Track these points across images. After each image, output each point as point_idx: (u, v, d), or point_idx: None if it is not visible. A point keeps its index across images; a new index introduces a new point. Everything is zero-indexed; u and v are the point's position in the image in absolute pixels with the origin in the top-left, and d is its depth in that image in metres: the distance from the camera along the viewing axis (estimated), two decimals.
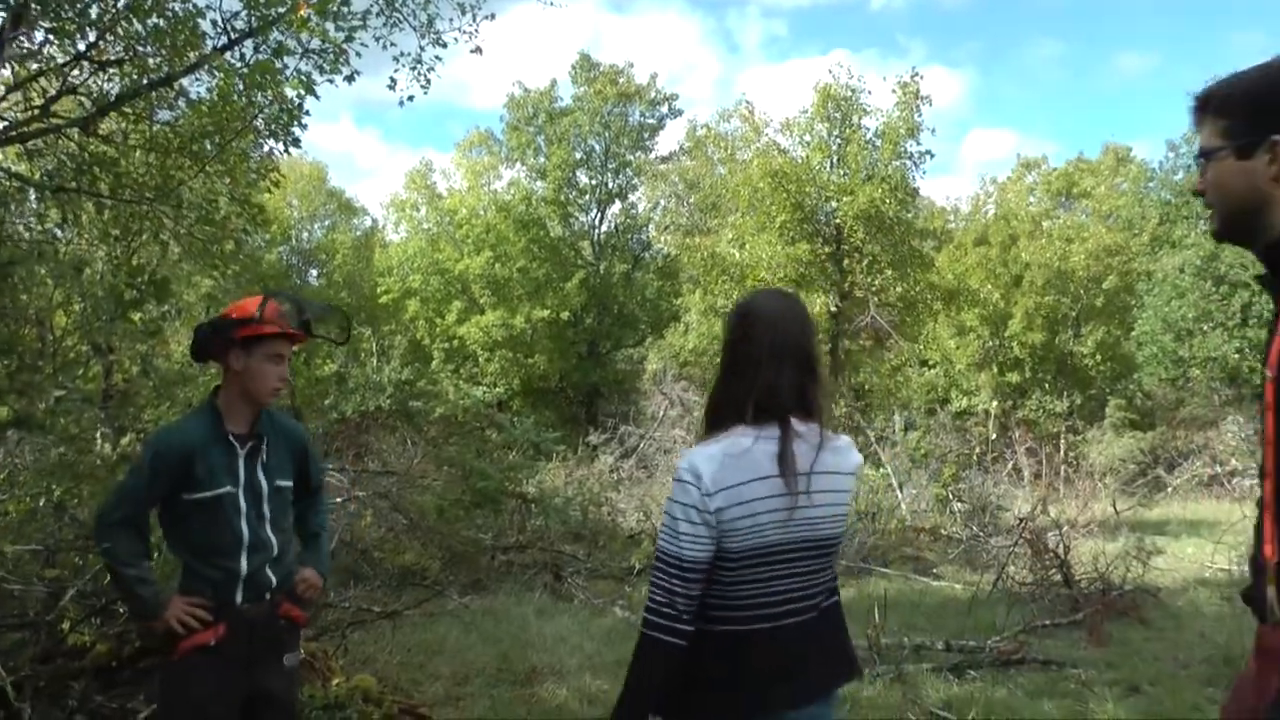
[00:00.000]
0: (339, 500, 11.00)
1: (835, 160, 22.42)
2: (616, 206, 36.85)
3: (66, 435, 4.83)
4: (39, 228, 6.11)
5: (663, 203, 36.79)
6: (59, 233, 6.05)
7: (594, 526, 13.19)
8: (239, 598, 3.37)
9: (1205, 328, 28.16)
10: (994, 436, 18.47)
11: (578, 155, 35.38)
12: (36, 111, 6.15)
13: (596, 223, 36.93)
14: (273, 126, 6.78)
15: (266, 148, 7.02)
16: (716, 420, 2.68)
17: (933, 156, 24.61)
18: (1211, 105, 2.04)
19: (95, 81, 6.26)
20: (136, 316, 5.23)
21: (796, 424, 2.63)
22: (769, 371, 2.64)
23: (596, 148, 35.62)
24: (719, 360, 2.78)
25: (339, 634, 7.12)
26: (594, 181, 36.21)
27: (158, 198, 5.94)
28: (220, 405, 3.45)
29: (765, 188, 21.61)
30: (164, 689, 3.40)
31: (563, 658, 7.47)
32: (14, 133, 5.69)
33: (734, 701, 2.60)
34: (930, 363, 34.75)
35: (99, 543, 3.43)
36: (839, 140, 22.34)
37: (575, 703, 6.37)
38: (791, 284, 21.43)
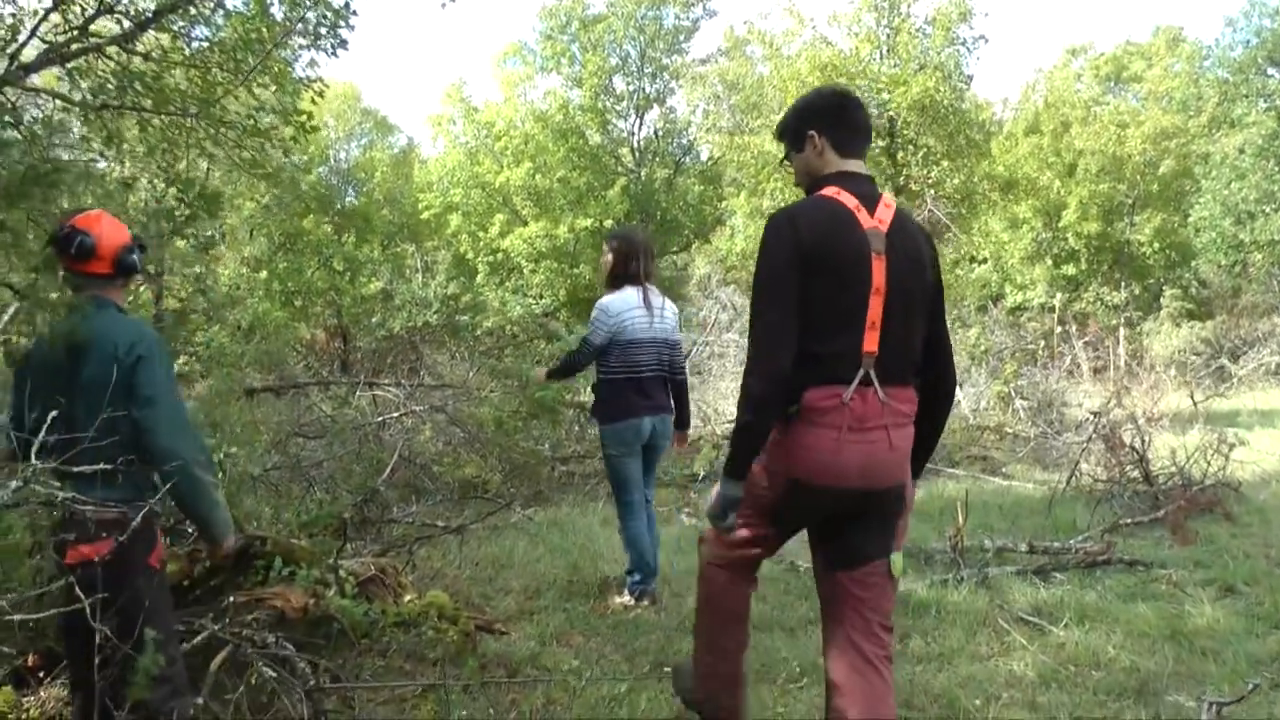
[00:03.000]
0: (395, 415, 10.93)
1: (885, 51, 21.82)
2: (655, 112, 36.23)
3: None
4: (84, 149, 5.95)
5: (702, 105, 36.10)
6: (104, 152, 5.88)
7: None
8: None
9: (1267, 210, 27.07)
10: (1057, 330, 18.00)
11: (613, 61, 34.73)
12: (75, 32, 5.95)
13: (635, 129, 36.35)
14: (319, 29, 6.52)
15: (308, 58, 6.80)
16: (614, 286, 6.26)
17: (987, 41, 23.69)
18: (781, 132, 3.52)
19: None
20: (188, 234, 5.13)
21: (648, 285, 6.32)
22: (639, 262, 6.27)
23: (632, 53, 34.94)
24: (608, 260, 6.34)
25: (406, 550, 7.04)
26: (631, 87, 35.57)
27: (200, 112, 5.75)
28: None
29: (814, 82, 20.87)
30: (153, 596, 3.43)
31: None
32: (54, 54, 5.50)
33: (624, 402, 6.17)
34: (980, 258, 34.07)
35: (195, 459, 3.45)
36: (888, 30, 21.72)
37: (651, 613, 6.24)
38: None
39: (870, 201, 3.19)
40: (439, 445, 10.93)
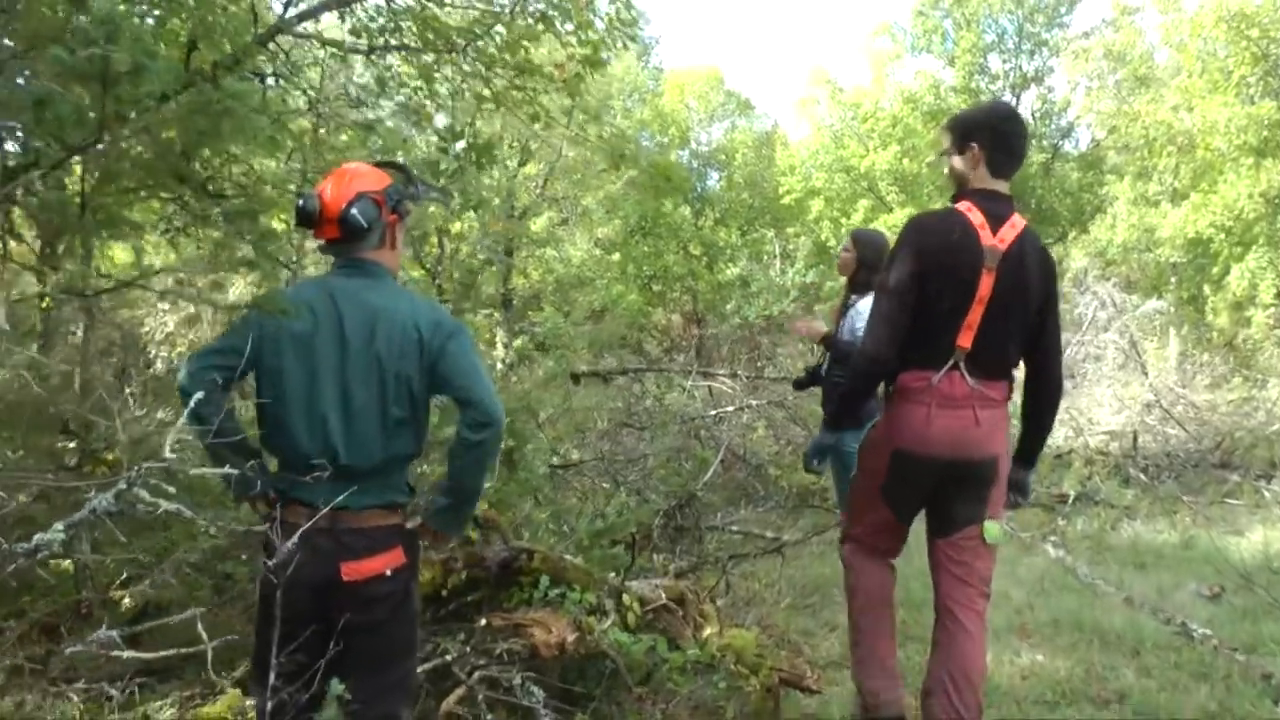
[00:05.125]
0: (731, 409, 10.14)
1: None
2: (1032, 92, 33.83)
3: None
4: (357, 92, 5.44)
5: (1084, 83, 33.36)
6: (363, 97, 5.33)
7: None
8: None
9: None
10: None
11: (988, 38, 32.69)
12: None
13: None
14: None
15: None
16: (860, 291, 5.68)
17: None
18: (949, 126, 3.74)
19: None
20: (453, 190, 4.57)
21: None
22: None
23: (1009, 28, 32.79)
24: (852, 259, 5.80)
25: (720, 568, 6.14)
26: (1007, 66, 33.38)
27: (468, 47, 5.06)
28: None
29: (1218, 36, 18.67)
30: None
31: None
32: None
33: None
34: None
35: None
36: None
37: (1002, 676, 5.00)
38: (1252, 152, 18.43)
39: (997, 220, 3.53)
40: (776, 445, 9.98)
